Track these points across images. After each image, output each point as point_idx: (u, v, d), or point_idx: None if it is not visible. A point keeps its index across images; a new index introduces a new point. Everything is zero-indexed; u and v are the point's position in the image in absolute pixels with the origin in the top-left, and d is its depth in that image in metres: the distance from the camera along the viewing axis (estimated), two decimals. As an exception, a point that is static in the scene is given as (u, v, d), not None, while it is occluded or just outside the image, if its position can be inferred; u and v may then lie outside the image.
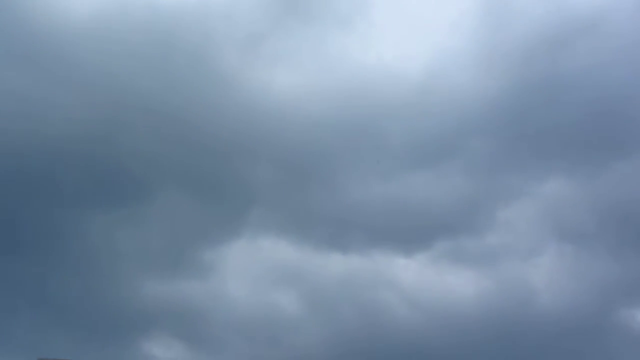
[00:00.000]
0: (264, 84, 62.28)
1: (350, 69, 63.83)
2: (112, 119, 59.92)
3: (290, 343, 56.95)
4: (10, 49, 59.05)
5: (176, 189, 61.60)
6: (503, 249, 61.60)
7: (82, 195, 59.97)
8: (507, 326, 56.82)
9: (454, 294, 60.29)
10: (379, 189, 63.23)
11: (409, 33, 66.66)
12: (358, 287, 60.22)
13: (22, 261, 56.43)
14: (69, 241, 58.48)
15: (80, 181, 59.72)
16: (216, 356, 55.87)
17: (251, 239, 61.96)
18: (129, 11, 60.89)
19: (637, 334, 57.16)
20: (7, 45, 59.01)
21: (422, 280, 61.09)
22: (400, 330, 57.70)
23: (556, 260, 61.76)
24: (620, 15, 64.57)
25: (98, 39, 58.92)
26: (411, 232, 62.23)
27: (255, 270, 60.81)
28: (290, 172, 62.85)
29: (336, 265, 60.99)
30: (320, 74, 63.68)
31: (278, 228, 62.24)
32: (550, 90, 63.97)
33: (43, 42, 58.68)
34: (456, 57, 64.91)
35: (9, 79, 58.39)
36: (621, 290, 58.60)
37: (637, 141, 63.14)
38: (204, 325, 57.30)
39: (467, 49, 64.75)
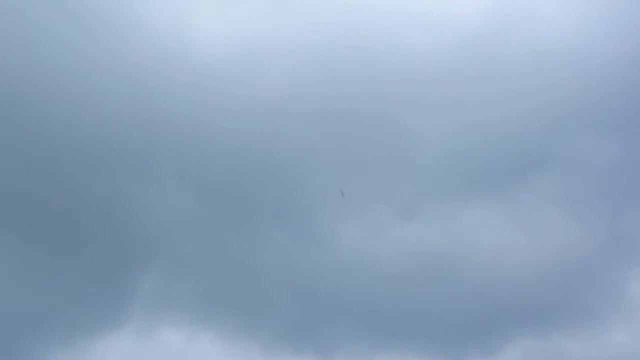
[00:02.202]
0: (180, 39, 33.39)
1: (339, 13, 34.07)
2: None
3: None
4: None
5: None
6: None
7: None
8: None
9: None
10: (387, 238, 33.39)
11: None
12: None
13: None
14: None
15: None
16: None
17: (144, 330, 33.21)
18: None
19: None
20: None
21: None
22: None
23: None
24: None
25: None
26: (455, 326, 33.23)
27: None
28: (218, 205, 33.30)
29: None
30: (285, 20, 34.50)
31: (196, 311, 33.06)
32: None
33: None
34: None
35: None
36: None
37: None
38: None
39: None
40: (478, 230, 34.13)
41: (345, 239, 33.83)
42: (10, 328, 32.00)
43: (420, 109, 35.11)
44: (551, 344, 32.98)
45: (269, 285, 33.32)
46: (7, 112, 32.48)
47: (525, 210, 34.44)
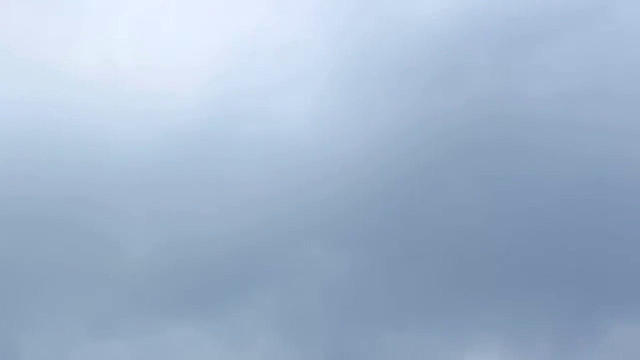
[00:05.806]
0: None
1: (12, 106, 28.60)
2: None
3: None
4: None
5: None
6: None
7: None
8: None
9: None
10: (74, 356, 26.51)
11: None
12: None
13: None
14: None
15: None
16: None
17: None
18: None
19: None
20: None
21: None
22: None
23: None
24: None
25: None
26: None
27: None
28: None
29: None
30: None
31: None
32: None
33: None
34: None
35: None
36: None
37: None
38: None
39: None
40: (184, 350, 27.93)
41: (26, 356, 27.17)
42: None
43: (124, 219, 29.52)
44: None
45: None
46: None
47: (242, 331, 28.42)
